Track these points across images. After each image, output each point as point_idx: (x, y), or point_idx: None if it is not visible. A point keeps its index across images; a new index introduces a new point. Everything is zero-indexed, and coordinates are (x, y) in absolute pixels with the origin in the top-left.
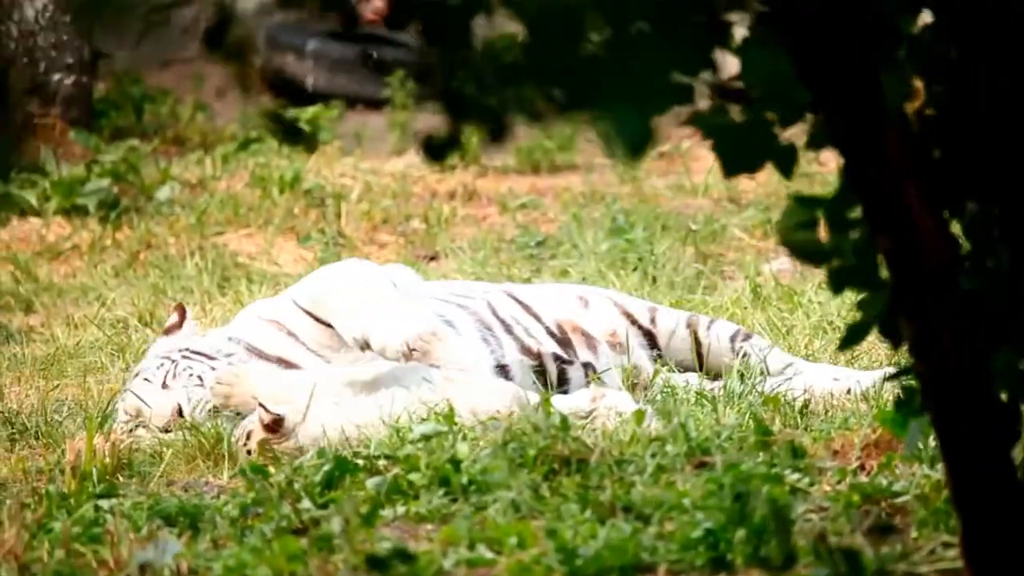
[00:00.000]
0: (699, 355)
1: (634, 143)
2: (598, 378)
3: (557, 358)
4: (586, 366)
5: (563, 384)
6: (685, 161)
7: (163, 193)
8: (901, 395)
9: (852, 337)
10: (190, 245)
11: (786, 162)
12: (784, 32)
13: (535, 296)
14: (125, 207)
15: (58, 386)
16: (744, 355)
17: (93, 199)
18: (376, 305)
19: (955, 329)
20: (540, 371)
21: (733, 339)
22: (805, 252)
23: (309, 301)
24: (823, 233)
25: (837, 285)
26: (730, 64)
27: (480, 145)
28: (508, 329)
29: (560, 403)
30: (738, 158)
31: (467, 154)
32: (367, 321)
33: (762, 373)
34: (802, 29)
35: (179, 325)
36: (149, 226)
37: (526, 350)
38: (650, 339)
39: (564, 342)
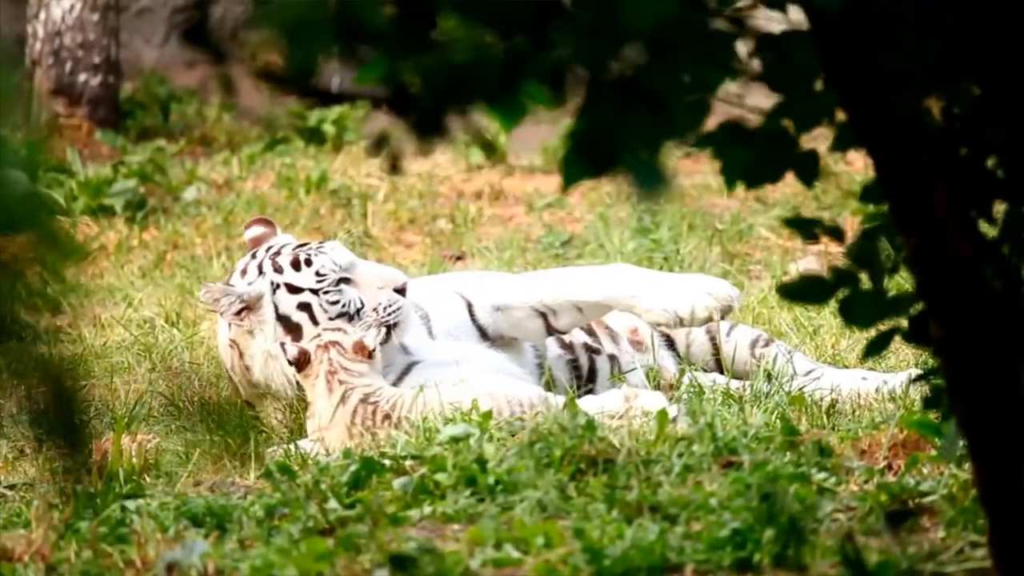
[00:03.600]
0: (718, 359)
1: (653, 189)
2: (623, 378)
3: (587, 347)
4: (611, 358)
5: (592, 376)
6: (711, 160)
7: (190, 193)
8: (929, 395)
9: (876, 346)
10: (216, 246)
11: (807, 170)
12: (813, 33)
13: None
14: (152, 207)
15: (85, 386)
16: (763, 360)
17: (120, 199)
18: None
19: (982, 329)
20: (573, 362)
21: (753, 344)
22: (803, 293)
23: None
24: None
25: (850, 315)
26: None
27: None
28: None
29: (592, 404)
30: (756, 170)
31: (494, 153)
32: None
33: (789, 376)
34: (829, 29)
35: (273, 231)
36: (176, 226)
37: (561, 342)
38: (668, 340)
39: (590, 331)
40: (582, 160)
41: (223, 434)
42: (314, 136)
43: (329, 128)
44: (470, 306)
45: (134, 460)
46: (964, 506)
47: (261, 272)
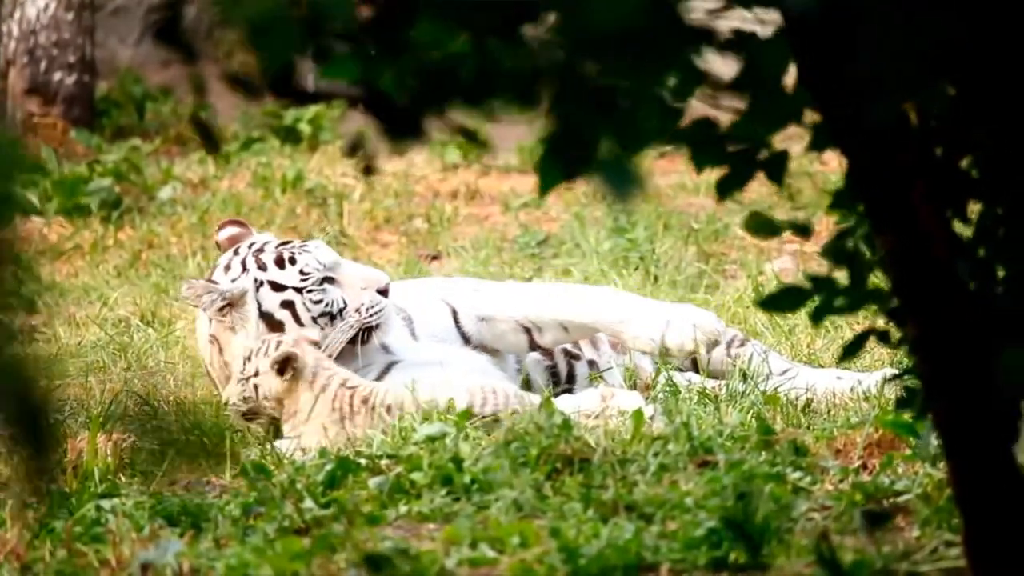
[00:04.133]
0: (694, 358)
1: (625, 192)
2: (600, 377)
3: (567, 353)
4: (591, 363)
5: (571, 380)
6: (686, 160)
7: (165, 193)
8: (903, 395)
9: (852, 348)
10: (192, 245)
11: (776, 170)
12: (792, 43)
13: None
14: (127, 207)
15: (60, 386)
16: (738, 359)
17: (95, 199)
18: None
19: (958, 328)
20: (551, 367)
21: (729, 344)
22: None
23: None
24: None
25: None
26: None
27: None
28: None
29: (569, 403)
30: (726, 182)
31: (469, 153)
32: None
33: (764, 375)
34: (805, 30)
35: (248, 231)
36: (151, 226)
37: (539, 346)
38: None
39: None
40: (556, 163)
41: (199, 433)
42: (290, 135)
43: (305, 127)
44: (455, 313)
45: (109, 459)
46: (939, 505)
47: (245, 269)
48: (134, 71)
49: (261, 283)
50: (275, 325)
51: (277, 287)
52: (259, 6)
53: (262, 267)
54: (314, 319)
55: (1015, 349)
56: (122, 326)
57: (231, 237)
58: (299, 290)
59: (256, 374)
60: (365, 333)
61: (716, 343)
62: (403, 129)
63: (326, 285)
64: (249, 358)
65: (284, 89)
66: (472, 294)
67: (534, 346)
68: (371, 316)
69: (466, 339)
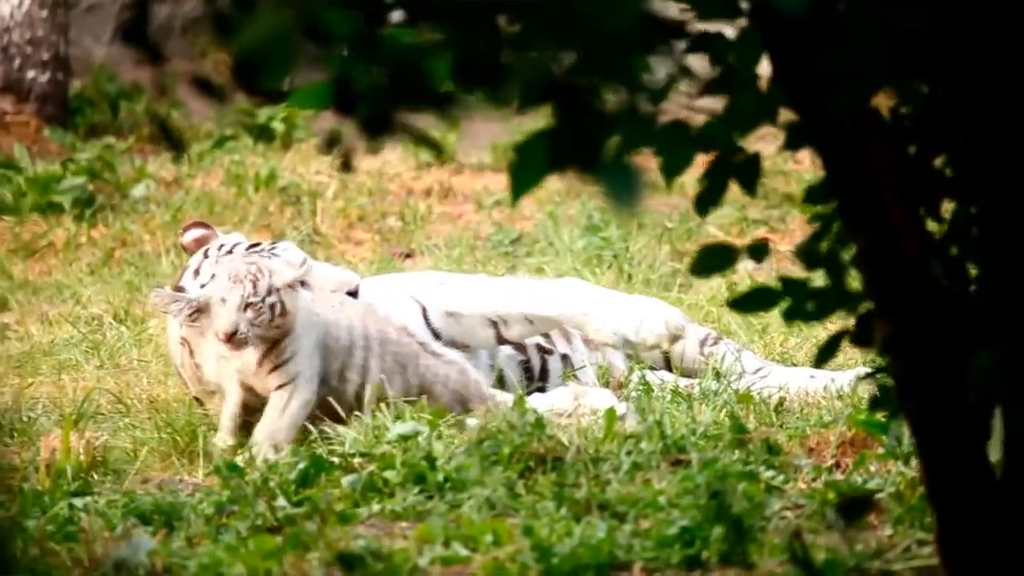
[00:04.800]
0: (667, 356)
1: (629, 198)
2: (574, 376)
3: (540, 348)
4: (564, 358)
5: (544, 377)
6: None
7: (138, 191)
8: (876, 395)
9: (826, 351)
10: (165, 243)
11: (749, 177)
12: (764, 34)
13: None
14: (100, 205)
15: (32, 384)
16: (711, 358)
17: (68, 197)
18: None
19: (931, 327)
20: (524, 363)
21: (703, 343)
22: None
23: None
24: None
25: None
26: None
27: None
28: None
29: (541, 402)
30: (703, 198)
31: (443, 151)
32: None
33: (737, 374)
34: (778, 26)
35: (214, 234)
36: (124, 224)
37: (514, 343)
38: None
39: (544, 333)
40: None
41: (171, 431)
42: (263, 133)
43: (278, 126)
44: (424, 310)
45: (82, 457)
46: (911, 504)
47: (214, 277)
48: (108, 69)
49: None
50: None
51: None
52: (261, 31)
53: None
54: None
55: (988, 349)
56: (95, 324)
57: (197, 239)
58: None
59: None
60: None
61: (679, 337)
62: (375, 128)
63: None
64: None
65: (254, 88)
66: (438, 288)
67: (501, 339)
68: None
69: (436, 335)
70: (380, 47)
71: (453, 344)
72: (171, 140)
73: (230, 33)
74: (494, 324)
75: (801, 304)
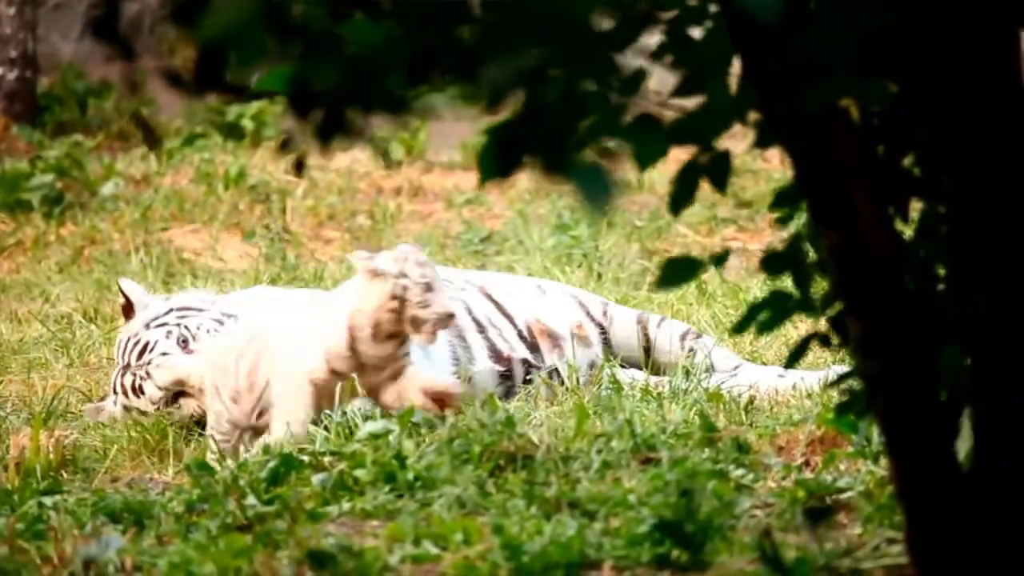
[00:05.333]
0: (647, 351)
1: (601, 199)
2: (548, 380)
3: (525, 363)
4: (552, 373)
5: (527, 385)
6: (629, 157)
7: (107, 189)
8: (844, 397)
9: (796, 354)
10: (135, 241)
11: (719, 175)
12: (734, 36)
13: (508, 293)
14: (69, 203)
15: (2, 382)
16: (692, 352)
17: (37, 195)
18: None
19: (900, 325)
20: (505, 374)
21: (683, 338)
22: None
23: None
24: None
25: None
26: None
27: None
28: (482, 332)
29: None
30: (677, 199)
31: (413, 150)
32: None
33: (707, 370)
34: (752, 31)
35: (131, 308)
36: (93, 222)
37: (497, 354)
38: (603, 333)
39: (533, 347)
40: (499, 158)
41: (141, 430)
42: (233, 131)
43: (248, 123)
44: None
45: (51, 456)
46: (881, 502)
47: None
48: (76, 67)
49: (127, 393)
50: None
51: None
52: (228, 17)
53: (124, 391)
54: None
55: (955, 347)
56: (64, 322)
57: (123, 308)
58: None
59: None
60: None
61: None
62: (331, 129)
63: (179, 399)
64: None
65: (214, 82)
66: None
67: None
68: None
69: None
70: (338, 46)
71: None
72: (147, 133)
73: (191, 23)
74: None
75: (781, 313)
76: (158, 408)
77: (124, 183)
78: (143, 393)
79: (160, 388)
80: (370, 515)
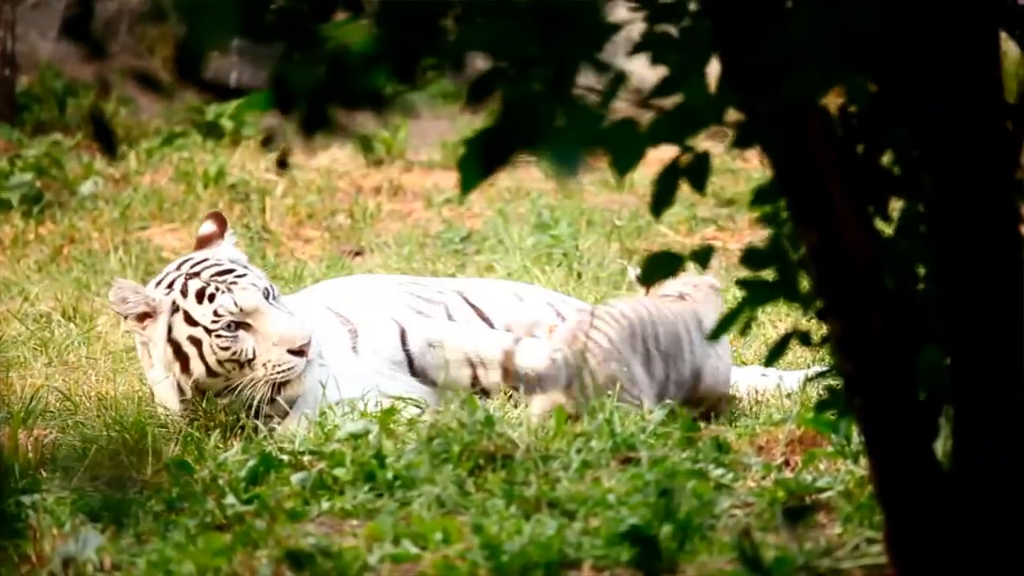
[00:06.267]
0: None
1: (571, 167)
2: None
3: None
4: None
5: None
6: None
7: (87, 187)
8: (825, 395)
9: (776, 352)
10: (114, 240)
11: (698, 175)
12: (713, 32)
13: (486, 299)
14: (48, 201)
15: None
16: None
17: (16, 193)
18: None
19: (880, 325)
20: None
21: None
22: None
23: None
24: None
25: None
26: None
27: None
28: None
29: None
30: (658, 200)
31: (392, 149)
32: None
33: None
34: (731, 27)
35: (220, 235)
36: (72, 221)
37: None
38: None
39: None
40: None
41: (120, 429)
42: (212, 130)
43: (227, 123)
44: (403, 333)
45: (30, 455)
46: (860, 502)
47: (171, 288)
48: (55, 66)
49: (177, 308)
50: (181, 356)
51: (190, 320)
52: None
53: (184, 292)
54: (220, 363)
55: (933, 347)
56: (43, 321)
57: (203, 237)
58: (208, 331)
59: None
60: (274, 387)
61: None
62: (314, 125)
63: (239, 332)
64: None
65: (192, 76)
66: (422, 317)
67: (475, 383)
68: (276, 374)
69: (410, 360)
70: (318, 44)
71: (424, 374)
72: (105, 140)
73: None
74: (472, 365)
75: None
76: (215, 322)
77: (103, 182)
78: (211, 301)
79: (237, 306)
80: (350, 514)
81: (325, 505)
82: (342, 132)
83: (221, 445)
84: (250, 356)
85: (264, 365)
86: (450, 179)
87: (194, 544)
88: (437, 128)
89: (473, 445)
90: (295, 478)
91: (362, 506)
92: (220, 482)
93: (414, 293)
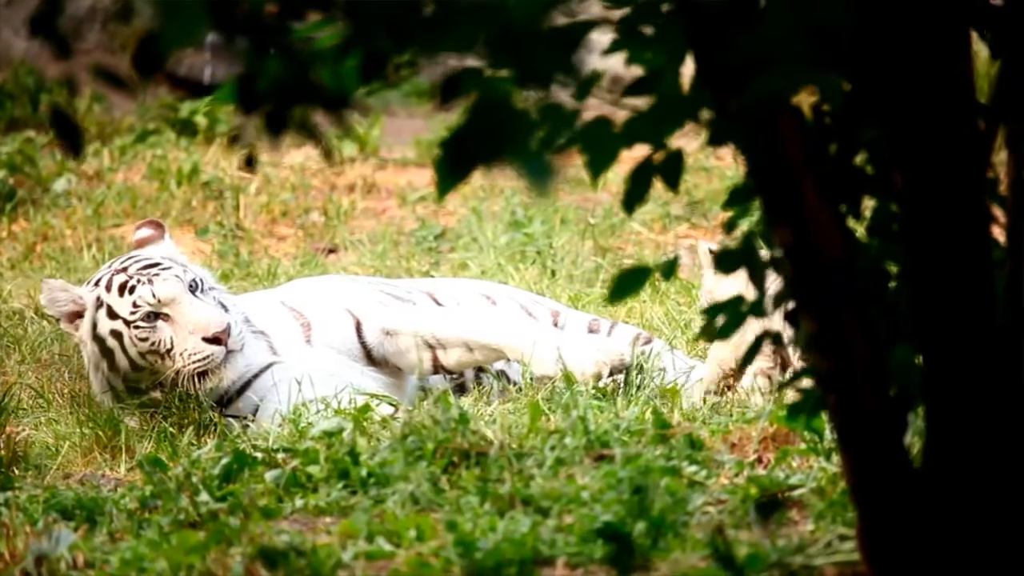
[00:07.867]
0: None
1: (543, 182)
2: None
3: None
4: (500, 374)
5: (478, 384)
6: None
7: (60, 185)
8: (796, 397)
9: (749, 355)
10: (87, 237)
11: (671, 173)
12: (687, 31)
13: (455, 300)
14: (21, 199)
15: None
16: (644, 356)
17: None
18: None
19: (854, 322)
20: (459, 385)
21: (634, 341)
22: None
23: None
24: None
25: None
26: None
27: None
28: None
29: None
30: (630, 197)
31: (367, 147)
32: None
33: (662, 370)
34: (705, 26)
35: (160, 237)
36: (46, 218)
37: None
38: None
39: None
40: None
41: (93, 426)
42: (186, 128)
43: (201, 120)
44: (359, 324)
45: (2, 452)
46: (833, 499)
47: (98, 284)
48: (28, 63)
49: (101, 303)
50: (107, 352)
51: (112, 314)
52: None
53: (108, 287)
54: (141, 355)
55: (905, 345)
56: (16, 319)
57: (140, 240)
58: (128, 323)
59: None
60: (195, 379)
61: (621, 364)
62: (278, 124)
63: (158, 322)
64: None
65: (150, 72)
66: (378, 307)
67: (438, 367)
68: (194, 363)
69: (367, 352)
70: (284, 42)
71: (384, 363)
72: (69, 138)
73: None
74: (431, 348)
75: (737, 318)
76: (133, 313)
77: (76, 179)
78: (131, 293)
79: (155, 296)
80: (323, 512)
81: (299, 503)
82: (307, 133)
83: (195, 442)
84: (168, 346)
85: (181, 355)
86: (424, 177)
87: (168, 542)
88: (412, 126)
89: (447, 442)
90: (269, 476)
91: (336, 503)
92: (194, 479)
93: (383, 291)
